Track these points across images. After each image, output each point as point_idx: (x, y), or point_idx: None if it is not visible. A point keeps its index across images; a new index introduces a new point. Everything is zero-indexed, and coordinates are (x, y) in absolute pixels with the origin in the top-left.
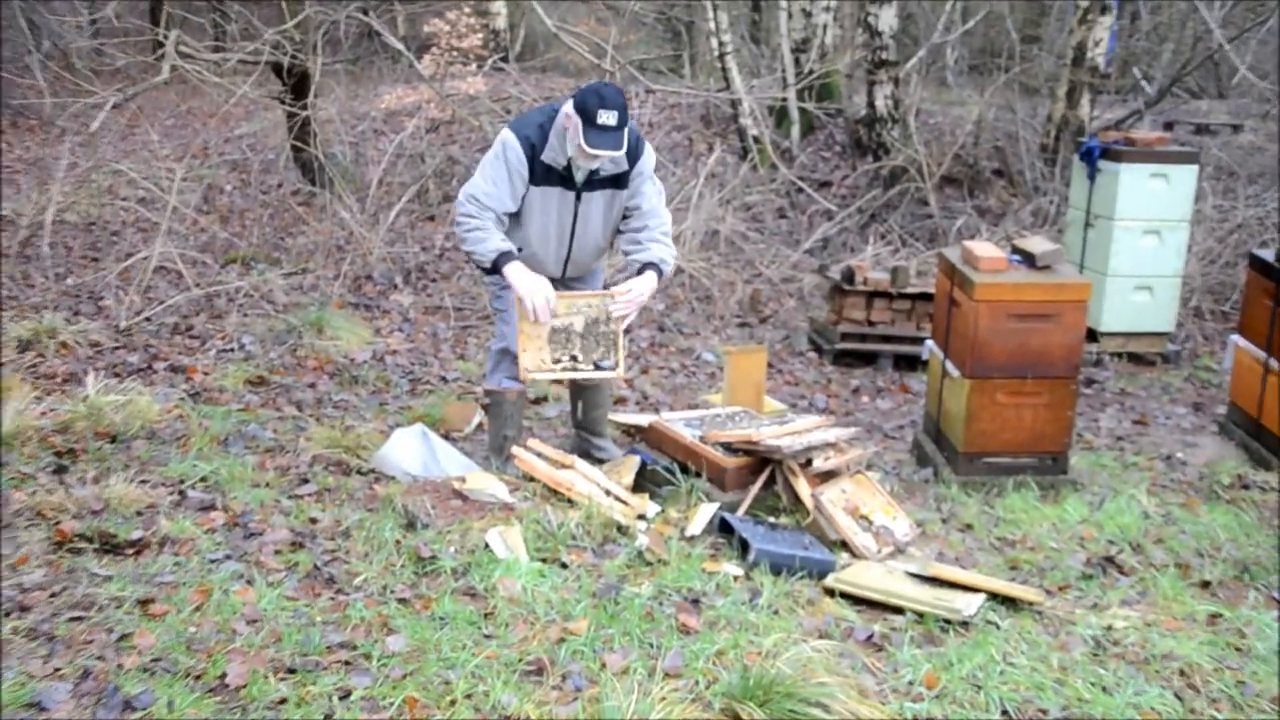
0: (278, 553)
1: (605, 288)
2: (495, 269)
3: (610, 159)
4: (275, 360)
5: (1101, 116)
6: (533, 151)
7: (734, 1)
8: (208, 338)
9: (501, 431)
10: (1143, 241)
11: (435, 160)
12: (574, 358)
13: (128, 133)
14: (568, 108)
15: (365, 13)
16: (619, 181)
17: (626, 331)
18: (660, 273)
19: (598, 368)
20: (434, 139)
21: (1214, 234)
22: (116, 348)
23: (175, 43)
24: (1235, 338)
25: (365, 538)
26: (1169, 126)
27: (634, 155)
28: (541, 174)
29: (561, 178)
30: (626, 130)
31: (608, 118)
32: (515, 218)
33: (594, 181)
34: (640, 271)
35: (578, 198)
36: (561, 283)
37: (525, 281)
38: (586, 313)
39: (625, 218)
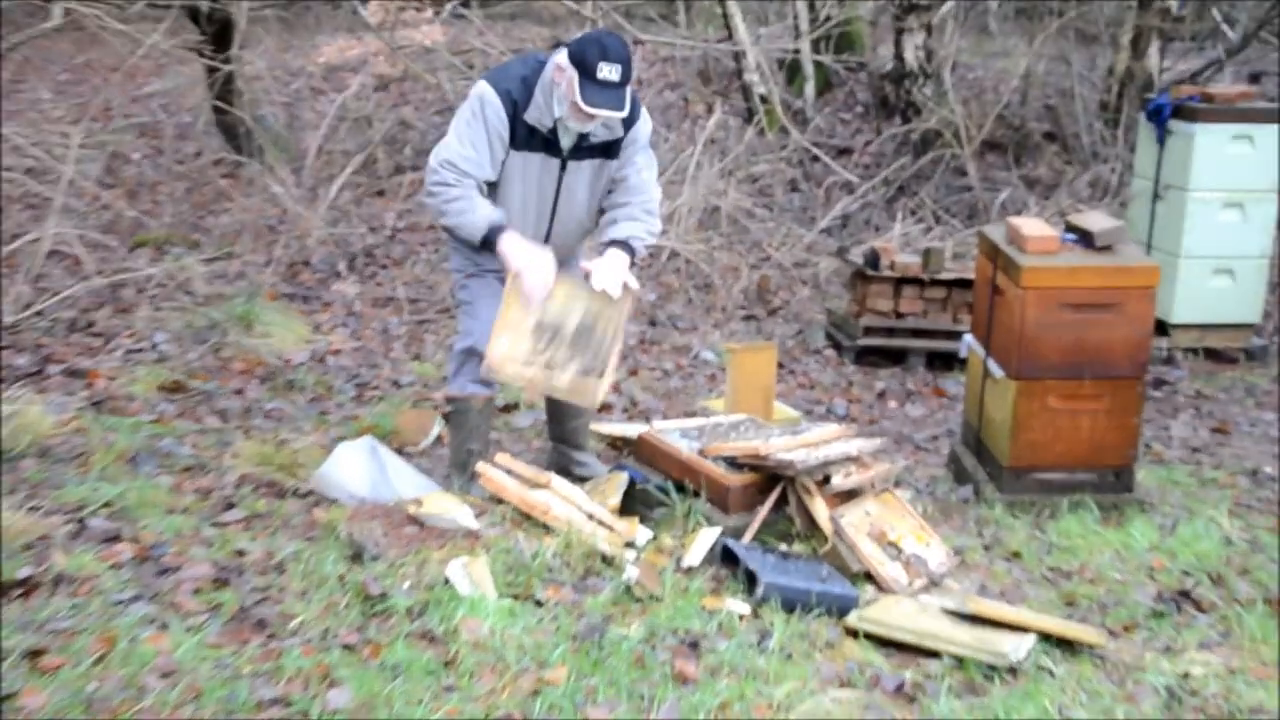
0: (197, 592)
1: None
2: (487, 244)
3: (609, 121)
4: (195, 362)
5: (1174, 68)
6: (514, 109)
7: None
8: (112, 336)
9: (465, 445)
10: (1222, 216)
11: (385, 124)
12: (550, 367)
13: (11, 90)
14: (560, 59)
15: None
16: (610, 150)
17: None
18: (632, 252)
19: (582, 382)
20: (383, 99)
21: None
22: (1, 348)
23: None
24: None
25: (303, 572)
26: (1255, 79)
27: (630, 120)
28: (523, 137)
29: (545, 142)
30: (628, 90)
31: (610, 72)
32: (490, 187)
33: (582, 148)
34: (602, 253)
35: (563, 166)
36: None
37: (523, 253)
38: (584, 312)
39: (609, 191)
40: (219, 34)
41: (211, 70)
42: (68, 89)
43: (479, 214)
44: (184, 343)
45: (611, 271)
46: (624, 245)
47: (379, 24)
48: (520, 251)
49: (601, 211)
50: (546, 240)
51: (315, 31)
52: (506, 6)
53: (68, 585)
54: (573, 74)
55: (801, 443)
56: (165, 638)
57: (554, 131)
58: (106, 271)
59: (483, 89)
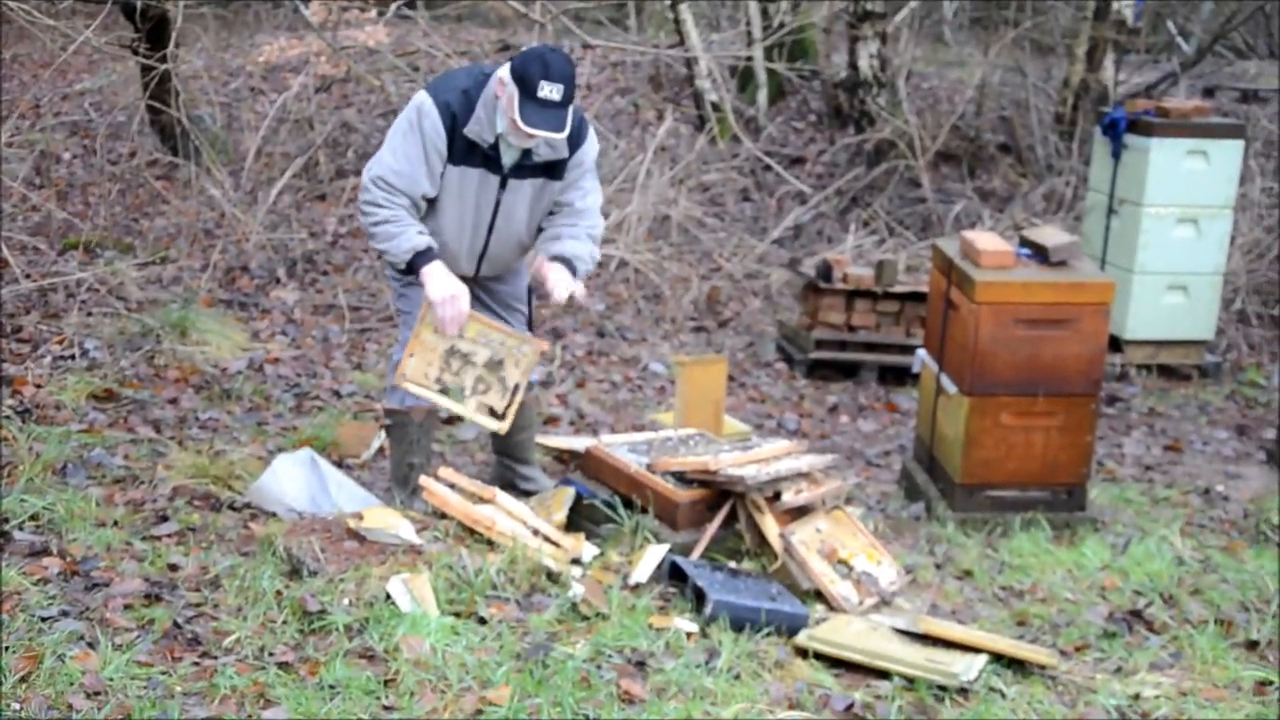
0: (128, 608)
1: (530, 326)
2: (411, 270)
3: (552, 141)
4: (127, 370)
5: (1129, 81)
6: (453, 122)
7: None
8: (41, 342)
9: (406, 459)
10: (1177, 232)
11: (327, 127)
12: (460, 390)
13: None
14: (503, 73)
15: None
16: (553, 170)
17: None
18: (574, 271)
19: (486, 413)
20: (325, 100)
21: (1262, 223)
22: None
23: None
24: None
25: (238, 588)
26: (1210, 93)
27: (575, 140)
28: (462, 151)
29: (485, 157)
30: (571, 109)
31: (551, 91)
32: (429, 202)
33: (524, 167)
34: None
35: (502, 184)
36: (475, 282)
37: (442, 286)
38: (496, 349)
39: (551, 213)
40: (154, 31)
41: (146, 68)
42: None
43: (405, 239)
44: (116, 350)
45: (561, 279)
46: (567, 263)
47: (321, 23)
48: (439, 283)
49: (540, 230)
50: (482, 256)
51: (255, 30)
52: (453, 8)
53: None
54: (513, 90)
55: (752, 458)
56: (93, 656)
57: (495, 148)
58: (35, 275)
59: (421, 100)
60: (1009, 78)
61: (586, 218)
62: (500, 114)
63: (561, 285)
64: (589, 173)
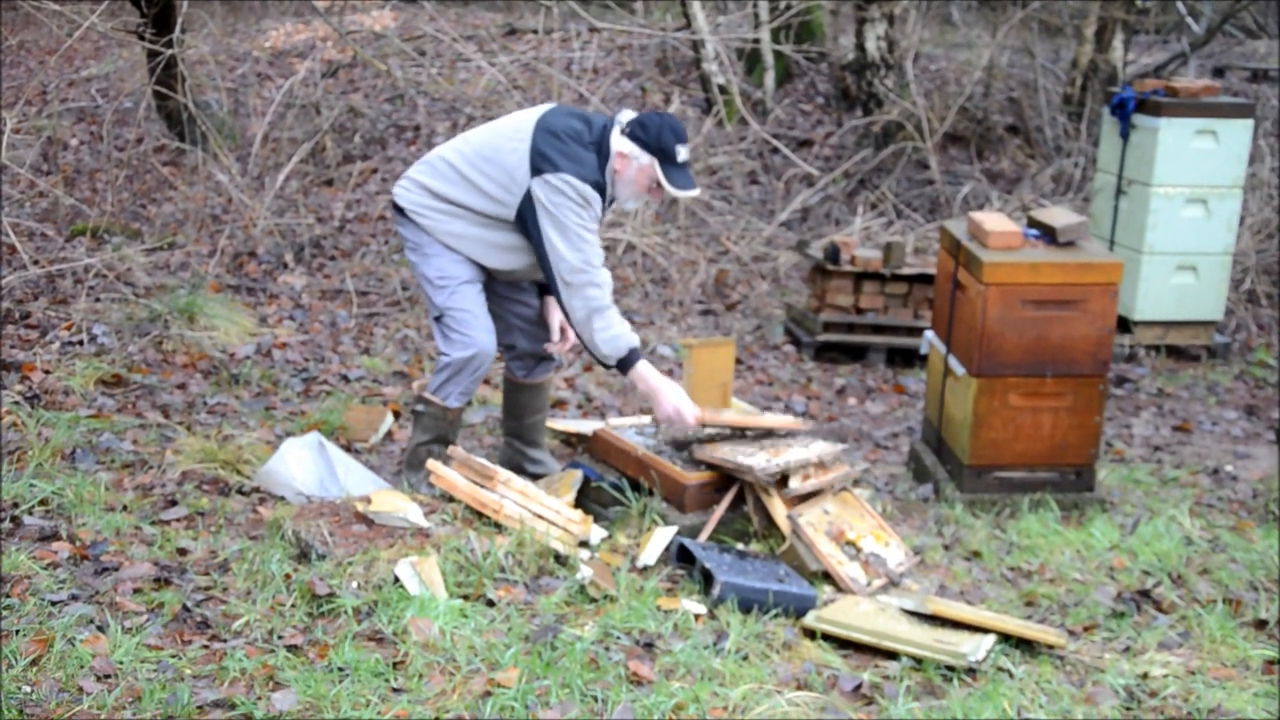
0: (137, 591)
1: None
2: (622, 367)
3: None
4: (135, 355)
5: (1138, 61)
6: (603, 199)
7: None
8: (49, 327)
9: (426, 446)
10: (1186, 212)
11: (333, 112)
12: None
13: None
14: (623, 147)
15: None
16: None
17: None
18: None
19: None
20: (331, 85)
21: (1272, 202)
22: None
23: None
24: None
25: (247, 572)
26: (1219, 73)
27: None
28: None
29: None
30: None
31: (686, 153)
32: (502, 224)
33: None
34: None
35: None
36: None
37: (669, 387)
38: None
39: None
40: (160, 16)
41: (152, 54)
42: (1, 72)
43: (623, 336)
44: (124, 335)
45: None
46: None
47: (327, 8)
48: (665, 387)
49: None
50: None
51: (261, 15)
52: None
53: (1, 585)
54: (649, 161)
55: (759, 423)
56: (103, 639)
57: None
58: (43, 261)
59: (583, 189)
60: (1017, 59)
61: None
62: (623, 184)
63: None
64: None
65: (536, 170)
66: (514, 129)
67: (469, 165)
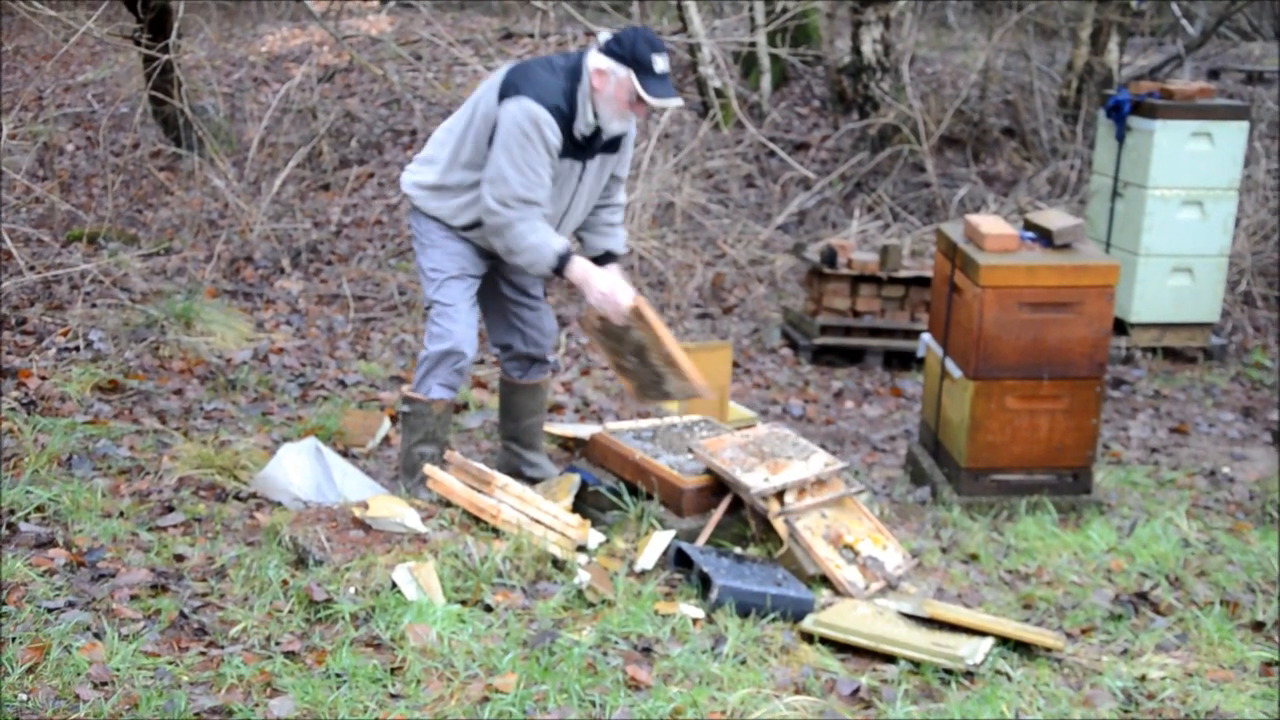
0: (134, 598)
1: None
2: (558, 272)
3: (675, 109)
4: (132, 361)
5: (1133, 63)
6: (565, 123)
7: None
8: (45, 333)
9: (418, 447)
10: (1182, 214)
11: (330, 116)
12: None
13: None
14: (599, 63)
15: None
16: (615, 145)
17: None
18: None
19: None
20: (328, 90)
21: (1267, 204)
22: None
23: None
24: None
25: (244, 578)
26: (1214, 75)
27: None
28: (567, 147)
29: (577, 146)
30: None
31: (663, 63)
32: None
33: (597, 147)
34: (603, 263)
35: (584, 166)
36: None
37: (603, 277)
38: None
39: (604, 189)
40: (156, 21)
41: (149, 59)
42: None
43: (549, 248)
44: (121, 341)
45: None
46: (616, 259)
47: (323, 13)
48: (595, 274)
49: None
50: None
51: (257, 20)
52: None
53: None
54: (626, 73)
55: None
56: (100, 646)
57: (585, 136)
58: (39, 267)
59: (532, 109)
60: (1013, 61)
61: (623, 190)
62: (604, 103)
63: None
64: (631, 151)
65: (501, 99)
66: (490, 82)
67: (455, 134)
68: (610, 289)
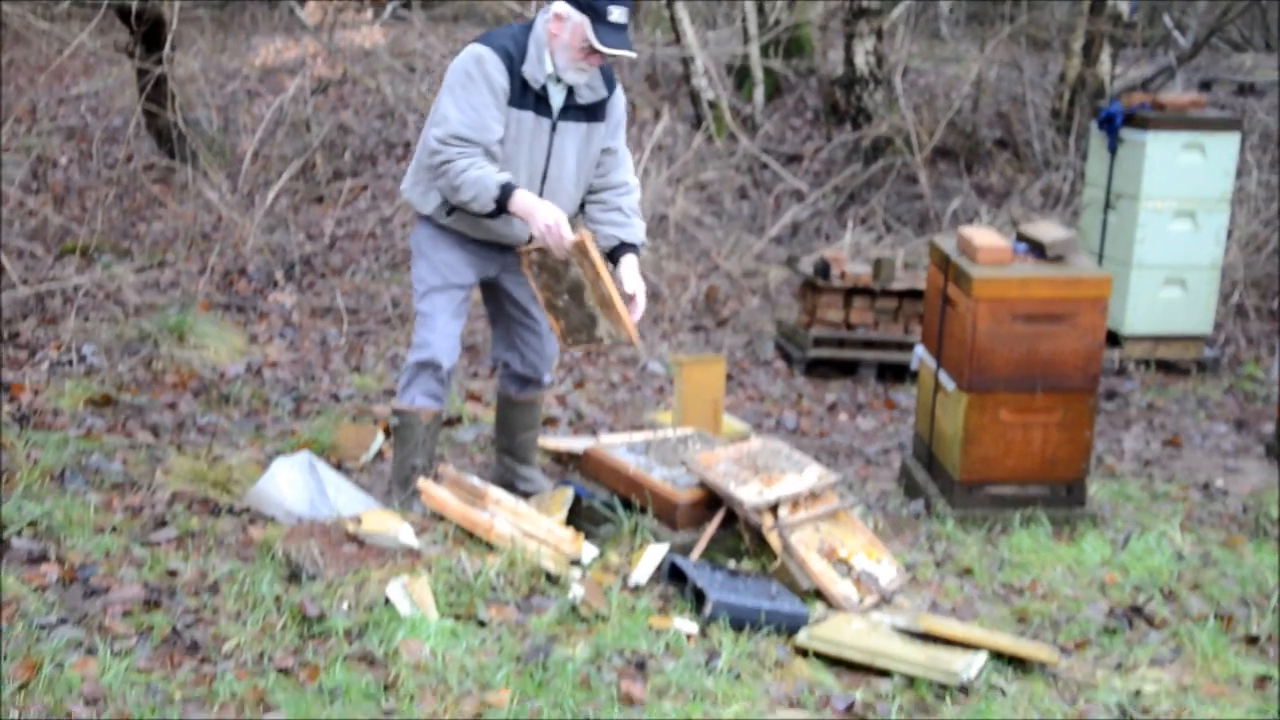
0: (127, 614)
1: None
2: (502, 206)
3: (592, 81)
4: (125, 375)
5: (1125, 75)
6: (511, 63)
7: None
8: (38, 347)
9: (409, 460)
10: (1174, 226)
11: (323, 129)
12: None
13: None
14: (558, 9)
15: None
16: (595, 112)
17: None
18: (637, 252)
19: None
20: (321, 102)
21: (1259, 216)
22: None
23: None
24: None
25: (237, 593)
26: (1206, 86)
27: (610, 83)
28: (518, 93)
29: (537, 99)
30: None
31: (619, 14)
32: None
33: (570, 109)
34: (617, 256)
35: (553, 127)
36: (504, 272)
37: (546, 207)
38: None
39: (599, 166)
40: (150, 34)
41: (142, 72)
42: None
43: (489, 178)
44: (114, 355)
45: (639, 280)
46: (635, 250)
47: (317, 25)
48: (540, 204)
49: (591, 192)
50: None
51: (251, 32)
52: (448, 8)
53: None
54: (580, 19)
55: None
56: (92, 663)
57: (544, 89)
58: (32, 280)
59: (475, 49)
60: (1005, 73)
61: (630, 172)
62: (559, 49)
63: (640, 285)
64: (623, 123)
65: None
66: None
67: (427, 122)
68: (555, 221)
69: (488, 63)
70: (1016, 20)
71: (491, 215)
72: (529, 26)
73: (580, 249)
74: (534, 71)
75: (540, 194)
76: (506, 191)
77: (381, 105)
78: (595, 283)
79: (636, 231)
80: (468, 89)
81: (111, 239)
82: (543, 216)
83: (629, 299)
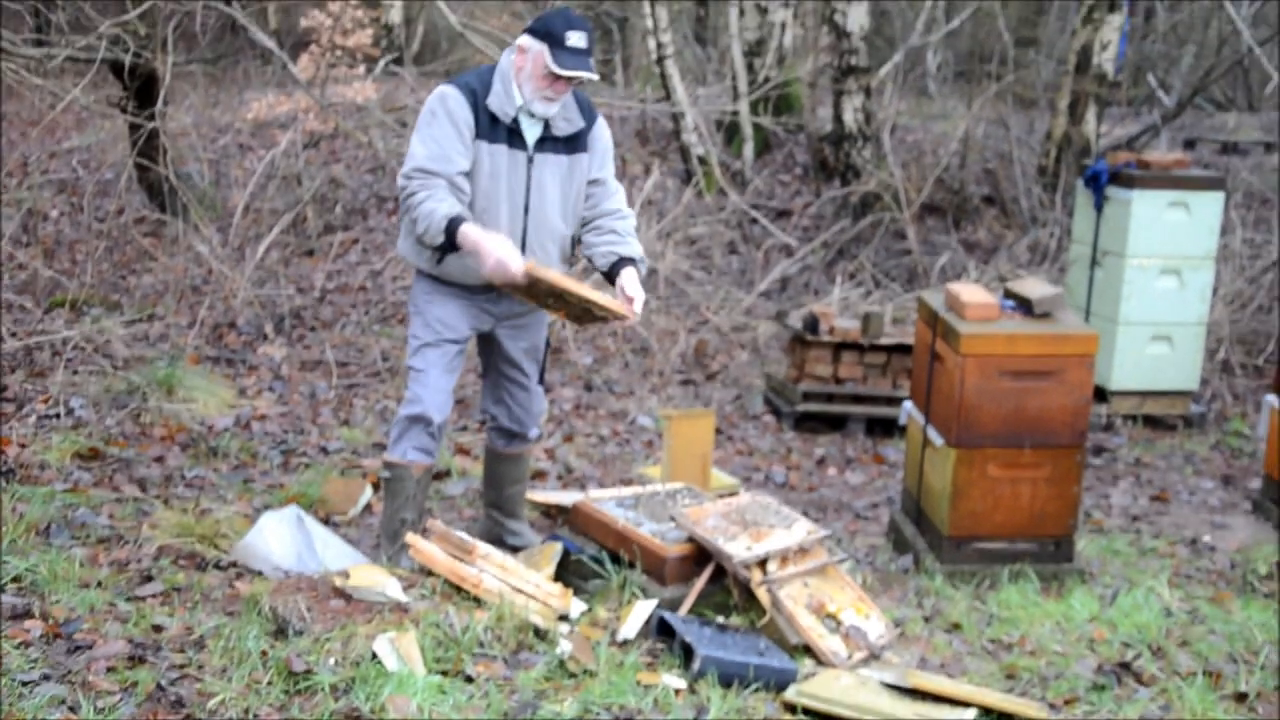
0: (111, 670)
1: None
2: (450, 240)
3: (567, 112)
4: (113, 428)
5: (1110, 133)
6: (475, 98)
7: None
8: (26, 401)
9: (399, 514)
10: (1160, 283)
11: (315, 183)
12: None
13: None
14: (521, 42)
15: (227, 2)
16: (575, 144)
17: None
18: (638, 268)
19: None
20: (313, 157)
21: (1244, 273)
22: None
23: None
24: (1271, 398)
25: (223, 649)
26: (1190, 145)
27: (589, 114)
28: (487, 126)
29: (510, 133)
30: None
31: (578, 39)
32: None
33: (546, 140)
34: (615, 269)
35: (530, 160)
36: (497, 321)
37: (493, 239)
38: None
39: (588, 199)
40: (143, 89)
41: (135, 126)
42: None
43: (439, 212)
44: (102, 408)
45: (638, 288)
46: (633, 263)
47: (309, 80)
48: (486, 239)
49: (583, 225)
50: (524, 243)
51: (243, 87)
52: (440, 63)
53: None
54: (539, 47)
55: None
56: None
57: (517, 122)
58: (21, 334)
59: (441, 89)
60: (992, 131)
61: (622, 200)
62: (525, 80)
63: (639, 293)
64: (609, 155)
65: None
66: None
67: None
68: (501, 257)
69: (449, 98)
70: (1003, 79)
71: (444, 249)
72: (494, 66)
73: (530, 277)
74: (501, 104)
75: (524, 227)
76: (454, 224)
77: (373, 159)
78: (566, 293)
79: (634, 248)
80: (431, 125)
81: (101, 292)
82: (487, 252)
83: (628, 301)
